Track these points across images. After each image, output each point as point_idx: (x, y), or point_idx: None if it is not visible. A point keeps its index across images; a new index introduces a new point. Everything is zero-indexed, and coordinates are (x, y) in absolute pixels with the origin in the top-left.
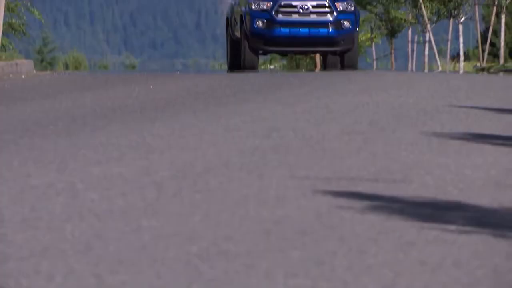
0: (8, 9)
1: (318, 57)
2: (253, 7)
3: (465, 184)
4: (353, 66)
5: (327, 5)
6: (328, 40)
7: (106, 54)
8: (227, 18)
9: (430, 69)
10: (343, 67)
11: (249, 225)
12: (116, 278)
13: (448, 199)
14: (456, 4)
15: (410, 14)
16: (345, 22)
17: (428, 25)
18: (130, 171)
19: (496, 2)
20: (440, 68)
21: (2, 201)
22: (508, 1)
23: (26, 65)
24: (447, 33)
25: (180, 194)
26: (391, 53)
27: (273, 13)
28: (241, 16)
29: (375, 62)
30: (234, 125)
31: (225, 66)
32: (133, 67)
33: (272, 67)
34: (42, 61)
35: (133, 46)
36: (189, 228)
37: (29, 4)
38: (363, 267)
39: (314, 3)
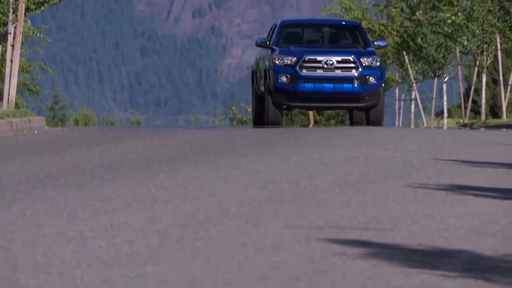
0: (22, 69)
1: (311, 113)
2: (277, 62)
3: (449, 233)
4: (378, 123)
5: (352, 60)
6: (353, 96)
7: (113, 111)
8: (252, 72)
9: (416, 125)
10: (368, 123)
11: (247, 270)
12: None
13: (433, 247)
14: (440, 64)
15: (397, 74)
16: (371, 78)
17: (414, 84)
18: (135, 220)
19: (477, 63)
20: (425, 124)
21: (16, 248)
22: (488, 62)
23: (38, 122)
24: (432, 91)
25: (182, 242)
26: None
27: (297, 68)
28: (265, 70)
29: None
30: (232, 177)
31: (225, 122)
32: (138, 123)
33: None
34: (53, 117)
35: (139, 104)
36: (191, 273)
37: (42, 63)
38: None
39: (339, 58)
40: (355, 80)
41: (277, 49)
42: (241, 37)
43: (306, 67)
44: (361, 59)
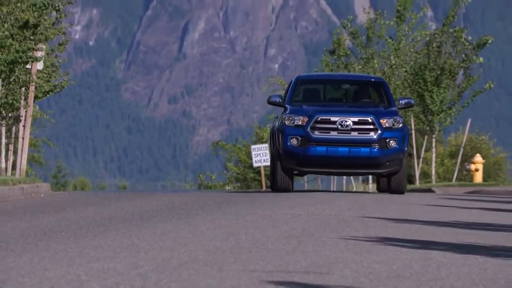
0: (30, 145)
1: (263, 178)
2: (286, 122)
3: (374, 276)
4: (400, 191)
5: (370, 121)
6: (370, 161)
7: (105, 178)
8: (270, 134)
9: (347, 189)
10: (389, 191)
11: None
12: None
13: (360, 287)
14: None
15: None
16: (391, 141)
17: None
18: (122, 266)
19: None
20: (354, 189)
21: None
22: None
23: (44, 187)
24: None
25: (160, 283)
26: (318, 178)
27: (309, 129)
28: (275, 131)
29: (306, 184)
30: (200, 231)
31: (194, 187)
32: (125, 187)
33: (228, 188)
34: (56, 183)
35: (125, 172)
36: None
37: (47, 139)
38: None
39: (356, 119)
40: (373, 144)
41: (288, 107)
42: (207, 119)
43: (319, 128)
44: (381, 120)
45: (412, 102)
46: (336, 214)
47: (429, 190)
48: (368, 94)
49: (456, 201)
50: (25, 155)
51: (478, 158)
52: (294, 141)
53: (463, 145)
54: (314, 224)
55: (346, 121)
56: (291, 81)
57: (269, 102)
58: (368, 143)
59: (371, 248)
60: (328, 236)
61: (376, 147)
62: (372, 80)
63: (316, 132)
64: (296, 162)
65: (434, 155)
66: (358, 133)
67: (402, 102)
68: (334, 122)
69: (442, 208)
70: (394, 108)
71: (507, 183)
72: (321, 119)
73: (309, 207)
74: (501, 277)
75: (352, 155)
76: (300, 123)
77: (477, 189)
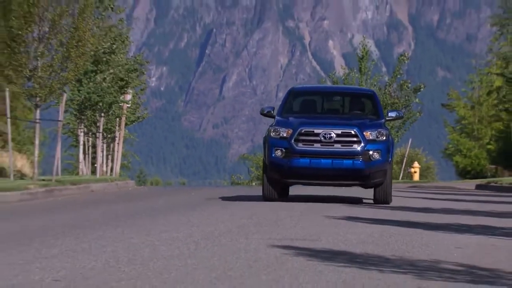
0: (122, 156)
1: None
2: (272, 134)
3: (348, 242)
4: (385, 201)
5: (353, 133)
6: (353, 173)
7: (170, 177)
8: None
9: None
10: (374, 201)
11: (241, 261)
12: None
13: (338, 249)
14: None
15: None
16: (375, 153)
17: None
18: (181, 236)
19: None
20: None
21: (108, 243)
22: None
23: (131, 183)
24: None
25: (207, 247)
26: None
27: (293, 141)
28: (264, 143)
29: None
30: (233, 213)
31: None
32: (184, 183)
33: (253, 184)
34: (139, 181)
35: (184, 173)
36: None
37: (132, 152)
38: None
39: (339, 131)
40: (356, 156)
41: (276, 119)
42: (238, 139)
43: (303, 140)
44: (364, 133)
45: (401, 114)
46: (321, 204)
47: None
48: (359, 106)
49: (402, 192)
50: (118, 163)
51: (415, 164)
52: (278, 153)
53: (406, 155)
54: (307, 209)
55: (329, 134)
56: (286, 92)
57: (262, 114)
58: (351, 155)
59: (345, 224)
60: (317, 216)
61: (359, 159)
62: (363, 92)
63: (300, 144)
64: (280, 174)
65: None
66: (342, 145)
67: (392, 114)
68: (317, 134)
69: (394, 196)
70: (380, 121)
71: (434, 181)
72: (304, 131)
73: (308, 199)
74: (433, 242)
75: (335, 167)
76: (285, 135)
77: (415, 184)
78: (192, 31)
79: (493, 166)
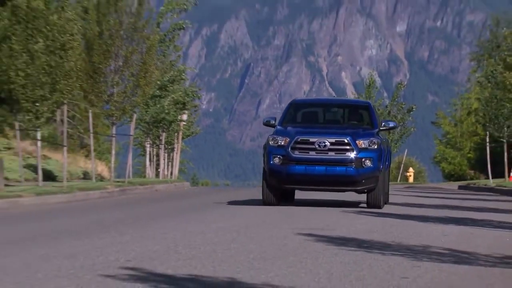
0: (180, 163)
1: None
2: (271, 142)
3: (357, 231)
4: (377, 205)
5: (346, 142)
6: (346, 179)
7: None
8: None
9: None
10: (367, 205)
11: (275, 244)
12: None
13: (350, 237)
14: None
15: None
16: (367, 161)
17: None
18: (225, 225)
19: None
20: None
21: (150, 239)
22: None
23: (186, 184)
24: None
25: (246, 233)
26: None
27: (289, 149)
28: (263, 151)
29: None
30: (264, 207)
31: None
32: (228, 184)
33: None
34: (193, 182)
35: (228, 176)
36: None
37: (187, 160)
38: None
39: (333, 140)
40: (348, 163)
41: (275, 129)
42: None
43: (299, 148)
44: (357, 141)
45: (395, 124)
46: (333, 200)
47: None
48: (355, 117)
49: (399, 191)
50: (176, 168)
51: (410, 169)
52: (276, 160)
53: (402, 162)
54: (324, 204)
55: (324, 142)
56: (288, 104)
57: (264, 124)
58: (344, 162)
59: (354, 216)
60: (332, 210)
61: (352, 166)
62: (359, 104)
63: (296, 152)
64: (278, 180)
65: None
66: (335, 153)
67: (387, 124)
68: (312, 143)
69: (393, 195)
70: (374, 130)
71: (425, 183)
72: (300, 139)
73: (325, 198)
74: (424, 231)
75: (329, 173)
76: (282, 143)
77: (410, 185)
78: (234, 65)
79: (472, 171)
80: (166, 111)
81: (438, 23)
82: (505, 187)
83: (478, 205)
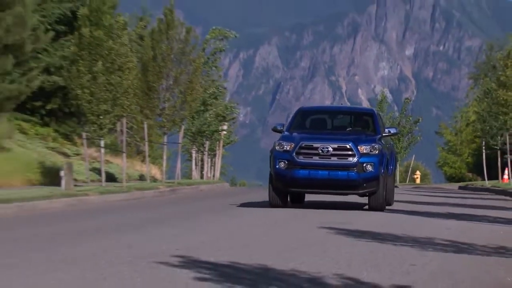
0: (221, 167)
1: None
2: (277, 148)
3: (371, 224)
4: (379, 208)
5: (348, 147)
6: (348, 183)
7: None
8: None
9: None
10: (369, 208)
11: (303, 235)
12: None
13: (366, 230)
14: None
15: None
16: (368, 166)
17: None
18: (256, 222)
19: None
20: None
21: (186, 234)
22: None
23: (227, 185)
24: None
25: (274, 227)
26: None
27: (294, 154)
28: (270, 156)
29: None
30: (289, 206)
31: None
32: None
33: None
34: (232, 183)
35: (261, 178)
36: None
37: (227, 164)
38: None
39: (336, 146)
40: (350, 168)
41: (282, 135)
42: None
43: (303, 154)
44: (359, 147)
45: (397, 130)
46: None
47: (395, 187)
48: (360, 123)
49: (408, 191)
50: (218, 171)
51: (417, 172)
52: (282, 165)
53: (411, 166)
54: (341, 203)
55: (327, 148)
56: (295, 111)
57: (272, 129)
58: (346, 167)
59: (368, 213)
60: (349, 208)
61: (353, 171)
62: (364, 111)
63: (300, 157)
64: (283, 183)
65: (398, 170)
66: (338, 158)
67: (389, 130)
68: (316, 148)
69: (402, 194)
70: (376, 136)
71: (430, 183)
72: (305, 145)
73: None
74: (429, 225)
75: (331, 178)
76: (288, 148)
77: (417, 186)
78: (267, 83)
79: (470, 174)
80: (209, 123)
81: (441, 48)
82: (498, 187)
83: (475, 203)
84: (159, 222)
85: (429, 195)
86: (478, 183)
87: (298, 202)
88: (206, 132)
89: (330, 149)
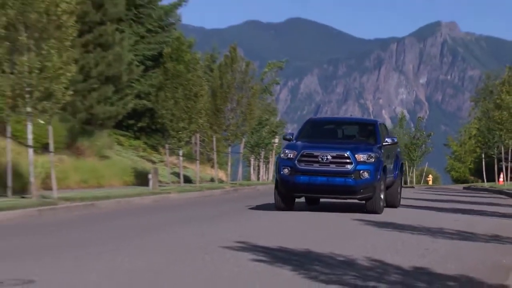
0: (272, 170)
1: None
2: (282, 155)
3: (394, 217)
4: (375, 211)
5: (346, 156)
6: (345, 189)
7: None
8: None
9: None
10: (366, 211)
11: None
12: None
13: (388, 222)
14: None
15: None
16: (365, 173)
17: None
18: (275, 223)
19: None
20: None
21: (201, 226)
22: None
23: (263, 187)
24: None
25: (287, 224)
26: None
27: (296, 161)
28: (275, 163)
29: None
30: (304, 207)
31: None
32: None
33: None
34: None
35: None
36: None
37: None
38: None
39: (334, 154)
40: (348, 175)
41: (288, 143)
42: None
43: (304, 161)
44: (356, 155)
45: (394, 140)
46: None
47: (412, 187)
48: (364, 133)
49: (422, 191)
50: (271, 174)
51: (430, 176)
52: (286, 171)
53: (425, 171)
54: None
55: (326, 156)
56: (305, 121)
57: (283, 138)
58: (344, 174)
59: (389, 209)
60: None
61: (350, 177)
62: (366, 122)
63: (302, 164)
64: (287, 188)
65: (414, 174)
66: (336, 166)
67: (388, 140)
68: (316, 156)
69: (417, 193)
70: (374, 146)
71: (440, 185)
72: (306, 153)
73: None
74: (440, 218)
75: (330, 183)
76: (291, 156)
77: (430, 187)
78: (309, 105)
79: (472, 177)
80: (264, 137)
81: (448, 77)
82: (495, 188)
83: (477, 200)
84: (225, 214)
85: (439, 194)
86: (479, 184)
87: (313, 204)
88: (262, 144)
89: (329, 157)
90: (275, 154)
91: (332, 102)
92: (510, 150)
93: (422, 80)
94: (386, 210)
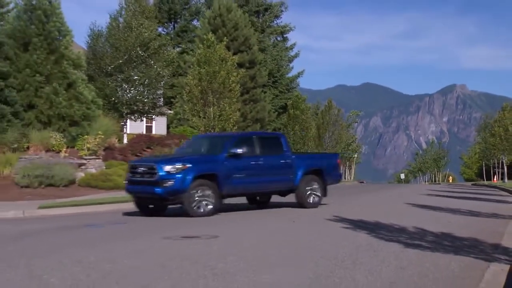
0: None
1: None
2: (130, 165)
3: (427, 202)
4: (189, 216)
5: (154, 167)
6: (154, 196)
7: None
8: None
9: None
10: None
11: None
12: None
13: (421, 204)
14: None
15: None
16: (169, 182)
17: None
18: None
19: None
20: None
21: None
22: None
23: (355, 182)
24: None
25: (298, 220)
26: None
27: (129, 173)
28: None
29: None
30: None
31: None
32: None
33: None
34: (359, 181)
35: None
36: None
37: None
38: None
39: (146, 167)
40: (155, 183)
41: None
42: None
43: (132, 172)
44: (163, 166)
45: (238, 151)
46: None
47: (439, 183)
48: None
49: (445, 187)
50: (353, 175)
51: (450, 177)
52: (128, 180)
53: (447, 174)
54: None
55: (141, 168)
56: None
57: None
58: (152, 183)
59: (425, 196)
60: (380, 207)
61: (158, 186)
62: (227, 136)
63: (130, 175)
64: (129, 193)
65: (440, 176)
66: (148, 176)
67: (234, 151)
68: (136, 168)
69: (443, 187)
70: (219, 156)
71: (457, 183)
72: (131, 165)
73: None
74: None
75: (145, 191)
76: (135, 167)
77: (450, 184)
78: (374, 135)
79: (477, 178)
80: (349, 154)
81: (461, 117)
82: (491, 184)
83: (480, 191)
84: (325, 200)
85: (455, 188)
86: (481, 182)
87: (254, 203)
88: (347, 157)
89: (143, 169)
90: (355, 163)
91: (389, 133)
92: (500, 162)
93: (444, 119)
94: (423, 197)
